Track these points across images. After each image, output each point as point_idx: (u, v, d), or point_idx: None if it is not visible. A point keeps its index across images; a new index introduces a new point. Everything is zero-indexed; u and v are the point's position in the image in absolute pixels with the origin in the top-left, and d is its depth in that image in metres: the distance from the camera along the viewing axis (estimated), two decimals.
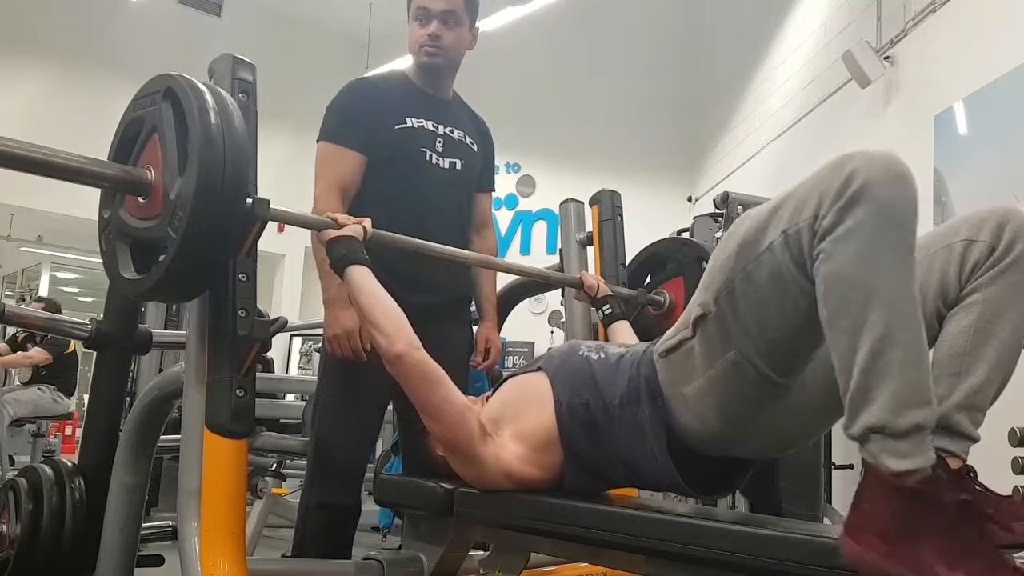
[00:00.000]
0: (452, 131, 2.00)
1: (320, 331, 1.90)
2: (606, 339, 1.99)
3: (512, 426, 1.37)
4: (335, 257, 1.45)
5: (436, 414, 1.34)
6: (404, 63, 2.07)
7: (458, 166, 1.99)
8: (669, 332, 1.23)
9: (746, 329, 1.10)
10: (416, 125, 1.94)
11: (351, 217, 1.52)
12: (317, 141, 1.91)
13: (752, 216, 1.08)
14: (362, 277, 1.43)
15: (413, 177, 1.92)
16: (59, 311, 4.95)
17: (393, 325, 1.36)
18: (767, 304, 1.07)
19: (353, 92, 1.95)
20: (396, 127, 1.92)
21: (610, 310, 1.99)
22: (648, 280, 2.34)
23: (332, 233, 1.47)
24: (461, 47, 1.99)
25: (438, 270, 1.89)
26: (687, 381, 1.19)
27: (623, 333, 1.95)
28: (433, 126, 1.96)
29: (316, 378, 2.02)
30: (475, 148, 2.06)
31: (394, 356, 1.33)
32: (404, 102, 1.96)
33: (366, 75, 2.03)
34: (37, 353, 5.18)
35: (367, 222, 1.52)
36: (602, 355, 1.36)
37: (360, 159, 1.89)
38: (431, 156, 1.95)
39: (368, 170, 1.90)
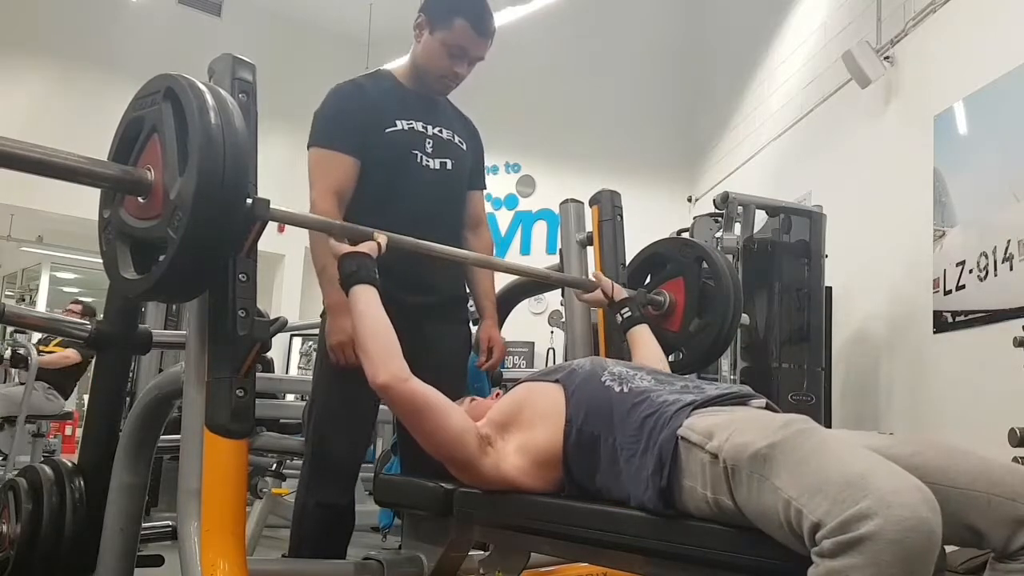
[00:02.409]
0: (441, 131, 1.99)
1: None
2: (607, 343, 1.96)
3: (519, 436, 1.36)
4: (345, 273, 1.44)
5: (429, 440, 1.34)
6: (402, 63, 2.06)
7: (448, 166, 1.99)
8: (702, 425, 1.13)
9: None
10: (406, 127, 1.93)
11: (381, 232, 1.50)
12: (308, 147, 1.89)
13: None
14: (366, 301, 1.41)
15: (403, 179, 1.92)
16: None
17: (381, 356, 1.35)
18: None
19: (342, 96, 1.93)
20: (387, 130, 1.91)
21: (629, 314, 1.87)
22: (648, 280, 2.33)
23: (346, 248, 1.46)
24: None
25: (434, 270, 1.89)
26: (694, 479, 1.11)
27: (643, 340, 1.83)
28: (423, 127, 1.96)
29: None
30: (464, 147, 2.05)
31: (379, 387, 1.34)
32: (393, 104, 1.95)
33: (352, 78, 2.01)
34: (72, 353, 5.07)
35: (383, 239, 1.50)
36: (625, 389, 1.29)
37: (354, 163, 1.88)
38: (421, 158, 1.94)
39: (359, 173, 1.89)
